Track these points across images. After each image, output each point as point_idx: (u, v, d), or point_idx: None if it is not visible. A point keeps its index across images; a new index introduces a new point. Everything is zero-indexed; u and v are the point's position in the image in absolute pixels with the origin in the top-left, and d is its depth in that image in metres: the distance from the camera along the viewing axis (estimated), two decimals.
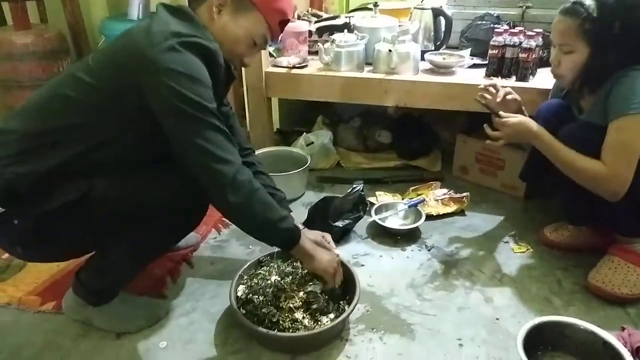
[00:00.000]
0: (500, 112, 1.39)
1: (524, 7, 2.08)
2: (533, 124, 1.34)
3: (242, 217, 1.11)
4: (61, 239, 1.09)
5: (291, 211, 1.40)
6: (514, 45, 1.75)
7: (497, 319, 1.28)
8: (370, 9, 2.15)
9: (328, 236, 1.35)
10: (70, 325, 1.26)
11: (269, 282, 1.24)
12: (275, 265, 1.30)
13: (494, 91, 1.47)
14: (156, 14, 1.09)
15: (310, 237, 1.25)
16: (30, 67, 2.35)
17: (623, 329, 1.20)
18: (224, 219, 1.69)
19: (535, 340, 1.12)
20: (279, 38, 1.30)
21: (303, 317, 1.18)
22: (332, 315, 1.20)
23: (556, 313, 1.27)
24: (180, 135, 1.02)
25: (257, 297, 1.22)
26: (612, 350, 1.06)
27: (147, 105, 1.01)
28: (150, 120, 1.02)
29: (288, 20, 1.22)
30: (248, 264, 1.34)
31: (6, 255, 1.53)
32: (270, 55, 2.03)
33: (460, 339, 1.22)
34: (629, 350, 1.07)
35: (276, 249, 1.33)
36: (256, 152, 1.91)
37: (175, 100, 0.98)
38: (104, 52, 1.13)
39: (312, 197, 1.84)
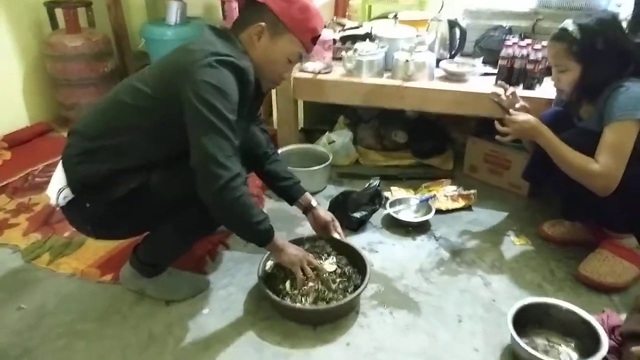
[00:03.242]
0: (510, 110, 1.55)
1: (535, 20, 2.22)
2: (538, 122, 1.49)
3: (224, 217, 1.27)
4: (124, 220, 1.31)
5: (305, 192, 1.63)
6: (522, 57, 1.90)
7: (494, 300, 1.46)
8: (389, 18, 2.33)
9: (337, 222, 1.61)
10: (126, 294, 1.48)
11: None
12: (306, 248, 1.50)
13: (505, 89, 1.61)
14: (202, 34, 1.28)
15: (321, 214, 1.57)
16: (80, 68, 2.59)
17: (603, 311, 1.36)
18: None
19: (525, 318, 1.29)
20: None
21: (316, 300, 1.36)
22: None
23: (546, 297, 1.44)
24: (197, 135, 1.17)
25: (281, 271, 1.43)
26: (590, 328, 1.24)
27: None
28: None
29: (319, 36, 1.39)
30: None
31: (67, 233, 1.77)
32: None
33: (460, 316, 1.41)
34: (606, 330, 1.24)
35: (313, 232, 1.61)
36: (283, 149, 2.13)
37: (200, 105, 1.14)
38: (158, 64, 1.32)
39: (333, 190, 2.03)
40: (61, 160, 1.32)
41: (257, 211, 1.28)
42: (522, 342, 1.21)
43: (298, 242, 1.54)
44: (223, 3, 2.89)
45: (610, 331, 1.26)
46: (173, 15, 2.85)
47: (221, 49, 1.22)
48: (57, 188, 1.28)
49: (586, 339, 1.24)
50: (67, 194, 1.27)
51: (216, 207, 1.22)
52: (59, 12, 2.63)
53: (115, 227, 1.35)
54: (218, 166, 1.16)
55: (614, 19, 1.46)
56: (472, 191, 1.93)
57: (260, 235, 1.31)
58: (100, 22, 2.82)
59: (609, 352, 1.19)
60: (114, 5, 2.75)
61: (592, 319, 1.25)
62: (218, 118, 1.16)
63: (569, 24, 1.43)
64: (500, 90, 1.62)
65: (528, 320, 1.31)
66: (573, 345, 1.28)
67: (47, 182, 1.37)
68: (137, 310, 1.44)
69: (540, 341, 1.30)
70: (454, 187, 1.97)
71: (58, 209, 1.34)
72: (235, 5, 2.81)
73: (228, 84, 1.19)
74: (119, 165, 1.24)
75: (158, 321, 1.40)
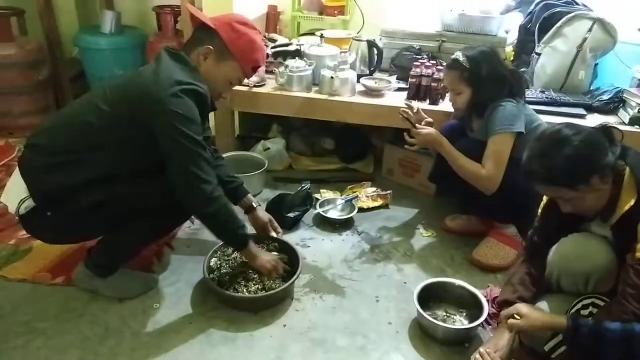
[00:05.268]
0: (416, 124, 1.84)
1: (440, 41, 2.58)
2: (438, 135, 1.79)
3: (213, 224, 1.51)
4: (85, 227, 1.45)
5: (248, 192, 1.81)
6: (427, 76, 2.23)
7: (405, 282, 1.76)
8: (316, 35, 2.58)
9: (275, 222, 1.82)
10: (80, 294, 1.61)
11: (236, 256, 1.66)
12: None
13: (411, 108, 1.91)
14: (161, 58, 1.42)
15: (260, 215, 1.75)
16: (13, 76, 2.60)
17: (488, 286, 1.71)
18: None
19: (428, 295, 1.60)
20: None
21: (256, 290, 1.58)
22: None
23: (446, 278, 1.75)
24: (177, 162, 1.36)
25: (224, 266, 1.64)
26: (476, 299, 1.56)
27: (152, 133, 1.35)
28: (154, 142, 1.36)
29: (259, 66, 1.59)
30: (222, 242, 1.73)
31: (12, 241, 1.85)
32: None
33: (377, 297, 1.69)
34: (487, 300, 1.58)
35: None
36: (223, 156, 2.31)
37: (178, 136, 1.33)
38: (119, 86, 1.43)
39: (269, 194, 2.25)
40: (20, 172, 1.41)
41: (239, 219, 1.52)
42: (425, 314, 1.51)
43: None
44: (158, 15, 3.00)
45: (492, 301, 1.60)
46: (107, 25, 2.90)
47: (182, 77, 1.38)
48: (17, 199, 1.38)
49: (474, 309, 1.56)
50: (29, 204, 1.38)
51: (207, 218, 1.47)
52: None
53: (75, 233, 1.48)
54: (202, 182, 1.38)
55: (492, 51, 1.80)
56: (389, 191, 2.23)
57: (242, 239, 1.55)
58: (32, 30, 2.81)
59: (490, 317, 1.53)
60: (46, 13, 2.76)
61: (478, 293, 1.58)
62: (192, 143, 1.36)
63: (460, 55, 1.76)
64: (409, 108, 1.92)
65: (431, 297, 1.62)
66: (465, 314, 1.61)
67: None
68: (92, 307, 1.57)
69: (440, 312, 1.61)
70: (374, 188, 2.27)
71: (16, 217, 1.44)
72: (170, 17, 2.94)
73: (193, 110, 1.38)
74: (84, 178, 1.36)
75: (113, 316, 1.54)
